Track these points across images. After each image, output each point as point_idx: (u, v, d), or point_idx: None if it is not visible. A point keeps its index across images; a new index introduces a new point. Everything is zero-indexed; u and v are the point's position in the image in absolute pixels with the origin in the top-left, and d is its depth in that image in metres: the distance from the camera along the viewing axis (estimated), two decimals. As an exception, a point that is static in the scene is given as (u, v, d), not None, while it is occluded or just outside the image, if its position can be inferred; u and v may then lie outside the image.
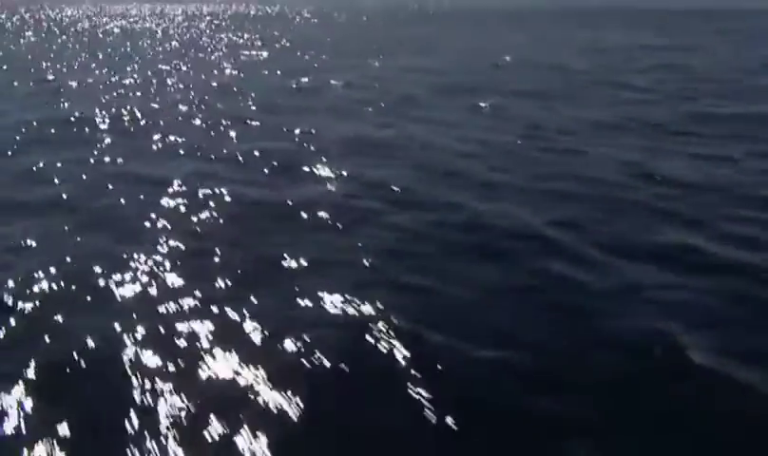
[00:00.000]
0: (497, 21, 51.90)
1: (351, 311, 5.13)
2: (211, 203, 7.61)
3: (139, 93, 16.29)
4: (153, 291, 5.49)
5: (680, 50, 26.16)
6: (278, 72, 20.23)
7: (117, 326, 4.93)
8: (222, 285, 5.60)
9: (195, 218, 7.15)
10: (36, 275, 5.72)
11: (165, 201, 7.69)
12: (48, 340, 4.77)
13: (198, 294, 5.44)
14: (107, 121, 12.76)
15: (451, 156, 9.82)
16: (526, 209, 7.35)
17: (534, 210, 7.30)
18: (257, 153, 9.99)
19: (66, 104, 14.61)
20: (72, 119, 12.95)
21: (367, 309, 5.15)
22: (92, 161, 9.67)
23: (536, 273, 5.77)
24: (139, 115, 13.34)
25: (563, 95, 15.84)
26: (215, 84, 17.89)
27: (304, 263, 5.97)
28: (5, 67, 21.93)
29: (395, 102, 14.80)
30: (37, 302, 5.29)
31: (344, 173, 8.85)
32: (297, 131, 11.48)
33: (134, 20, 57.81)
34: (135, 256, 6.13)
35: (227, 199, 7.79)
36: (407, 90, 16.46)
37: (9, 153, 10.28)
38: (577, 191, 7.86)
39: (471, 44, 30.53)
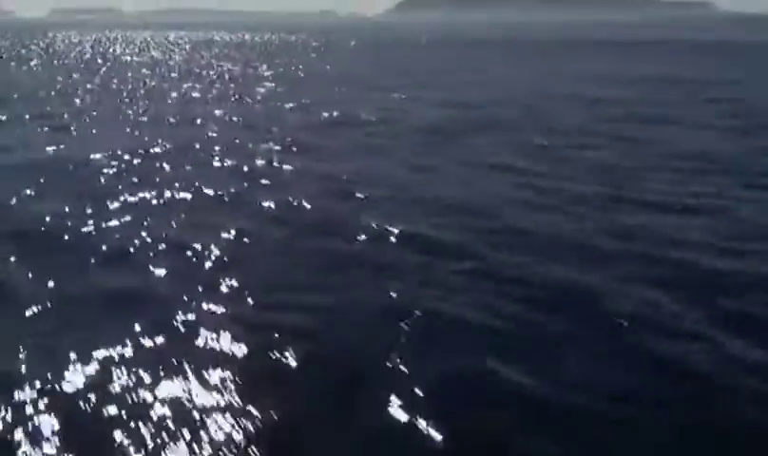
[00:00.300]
0: (502, 50, 51.17)
1: (485, 443, 3.84)
2: (266, 282, 6.32)
3: (155, 130, 15.12)
4: (211, 411, 4.20)
5: (713, 84, 25.11)
6: (302, 106, 19.10)
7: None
8: (304, 399, 4.31)
9: (249, 303, 5.85)
10: (64, 389, 4.42)
11: (208, 279, 6.41)
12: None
13: (272, 415, 4.15)
14: (123, 164, 11.55)
15: (518, 210, 8.59)
16: (647, 287, 6.09)
17: (661, 289, 6.04)
18: (306, 206, 8.73)
19: (75, 143, 13.42)
20: (83, 160, 11.75)
21: (502, 441, 3.86)
22: (108, 216, 8.42)
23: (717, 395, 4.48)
24: (158, 157, 12.13)
25: (613, 130, 14.68)
26: (236, 119, 16.73)
27: (404, 368, 4.69)
28: (9, 99, 20.81)
29: (434, 140, 13.63)
30: (74, 429, 3.99)
31: (404, 233, 7.60)
32: (343, 177, 10.25)
33: (141, 48, 57.11)
34: (179, 354, 4.85)
35: (282, 273, 6.51)
36: (441, 126, 15.31)
37: (11, 202, 9.04)
38: (717, 265, 6.59)
39: (492, 74, 29.54)
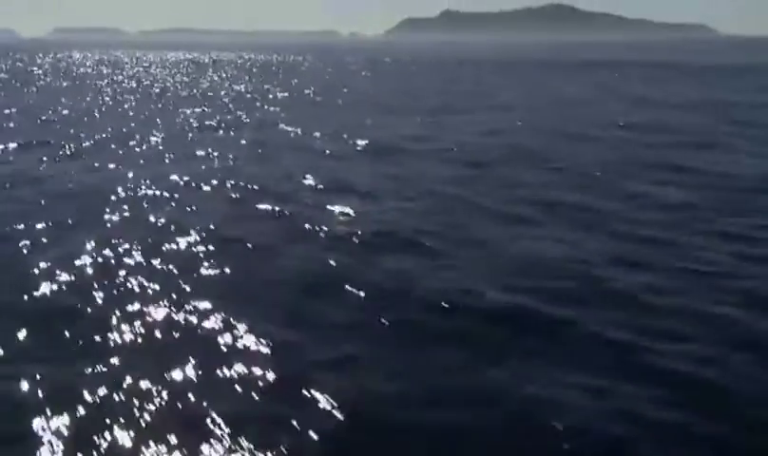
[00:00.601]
0: (508, 71, 50.15)
1: None
2: (335, 368, 4.94)
3: (173, 162, 13.79)
4: None
5: (740, 106, 23.88)
6: (329, 134, 17.79)
7: None
8: None
9: (314, 399, 4.48)
10: None
11: (255, 370, 5.02)
12: None
13: None
14: (140, 203, 10.20)
15: (614, 266, 7.23)
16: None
17: None
18: (369, 263, 7.30)
19: (78, 174, 12.08)
20: (87, 194, 10.40)
21: None
22: (124, 272, 7.05)
23: None
24: (179, 197, 10.78)
25: (666, 158, 13.43)
26: (261, 149, 15.39)
27: None
28: (6, 126, 19.53)
29: (480, 174, 12.29)
30: None
31: (489, 299, 6.26)
32: (399, 222, 8.86)
33: (147, 70, 56.09)
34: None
35: (355, 355, 5.13)
36: (480, 156, 14.01)
37: (11, 246, 7.65)
38: None
39: (507, 96, 28.32)
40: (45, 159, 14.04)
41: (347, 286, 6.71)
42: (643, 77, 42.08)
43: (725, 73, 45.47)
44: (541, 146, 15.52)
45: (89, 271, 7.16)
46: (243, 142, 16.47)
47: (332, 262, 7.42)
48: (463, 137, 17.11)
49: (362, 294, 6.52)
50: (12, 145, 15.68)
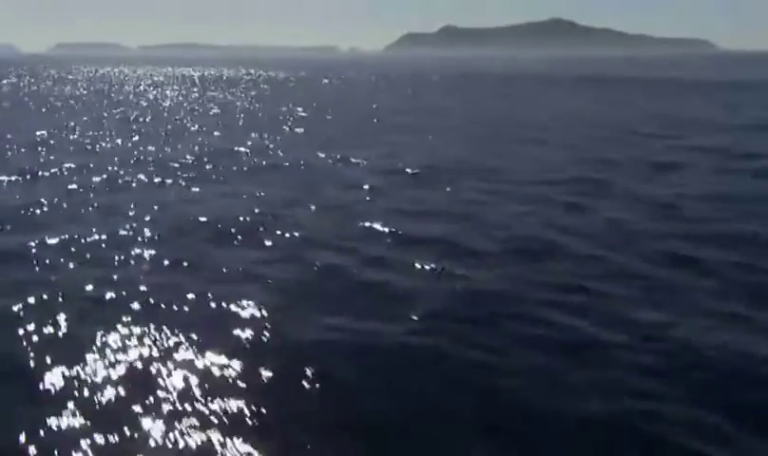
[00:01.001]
0: (518, 87, 48.34)
1: None
2: None
3: (183, 196, 11.78)
4: None
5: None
6: (368, 157, 15.79)
7: None
8: None
9: None
10: None
11: None
12: None
13: None
14: (145, 257, 8.17)
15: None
16: None
17: None
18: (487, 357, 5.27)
19: (88, 216, 10.06)
20: (102, 246, 8.37)
21: None
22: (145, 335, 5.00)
23: None
24: (196, 249, 8.76)
25: (747, 189, 11.40)
26: (300, 184, 13.38)
27: None
28: (7, 155, 17.58)
29: (591, 221, 10.26)
30: None
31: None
32: (497, 288, 6.81)
33: (151, 87, 54.36)
34: None
35: None
36: (545, 188, 11.99)
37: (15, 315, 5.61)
38: None
39: (533, 114, 26.38)
40: (52, 195, 12.03)
41: (472, 398, 4.66)
42: (676, 95, 40.25)
43: (751, 88, 43.66)
44: (620, 178, 13.47)
45: (114, 355, 5.11)
46: (276, 171, 14.45)
47: (446, 355, 5.37)
48: (517, 164, 15.12)
49: (496, 412, 4.46)
50: (12, 178, 13.70)
